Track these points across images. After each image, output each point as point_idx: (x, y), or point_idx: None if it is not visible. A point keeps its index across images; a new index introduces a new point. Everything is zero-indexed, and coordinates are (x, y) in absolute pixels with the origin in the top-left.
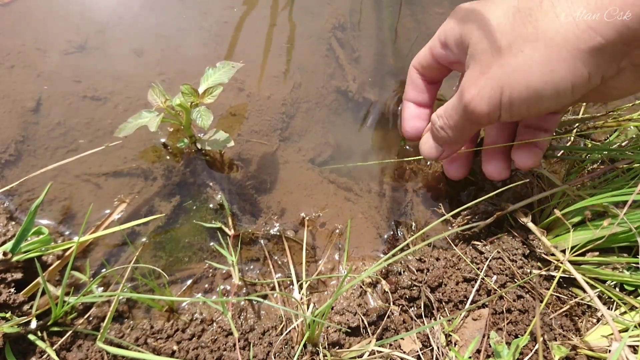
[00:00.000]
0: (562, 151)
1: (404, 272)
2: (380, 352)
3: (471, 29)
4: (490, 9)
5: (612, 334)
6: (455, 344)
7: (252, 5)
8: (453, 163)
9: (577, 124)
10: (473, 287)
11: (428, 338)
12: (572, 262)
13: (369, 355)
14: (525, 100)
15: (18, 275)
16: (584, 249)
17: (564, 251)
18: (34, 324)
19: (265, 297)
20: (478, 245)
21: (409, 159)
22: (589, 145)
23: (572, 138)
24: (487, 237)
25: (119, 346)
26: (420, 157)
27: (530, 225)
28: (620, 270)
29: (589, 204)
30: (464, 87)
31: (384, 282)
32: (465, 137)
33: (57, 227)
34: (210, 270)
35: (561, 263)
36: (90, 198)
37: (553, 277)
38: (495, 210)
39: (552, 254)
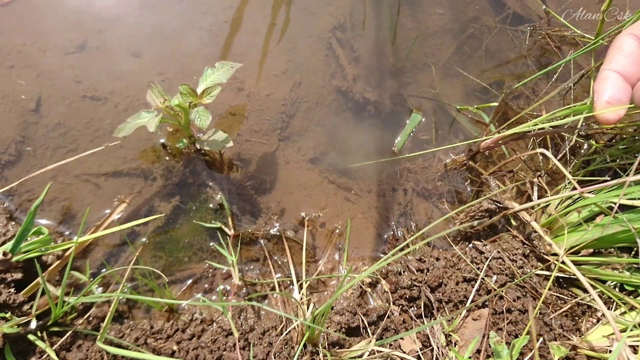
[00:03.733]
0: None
1: (404, 272)
2: (380, 352)
3: None
4: None
5: (612, 333)
6: (455, 344)
7: (252, 5)
8: None
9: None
10: (473, 287)
11: (428, 338)
12: (572, 262)
13: (369, 355)
14: None
15: (18, 275)
16: (584, 249)
17: (567, 250)
18: (33, 324)
19: (265, 297)
20: (478, 245)
21: (409, 155)
22: (594, 145)
23: (574, 139)
24: (487, 236)
25: (119, 346)
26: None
27: (534, 224)
28: (621, 270)
29: (589, 202)
30: None
31: (384, 282)
32: None
33: (57, 227)
34: (210, 270)
35: (562, 263)
36: (90, 198)
37: (554, 276)
38: (500, 209)
39: (554, 254)
